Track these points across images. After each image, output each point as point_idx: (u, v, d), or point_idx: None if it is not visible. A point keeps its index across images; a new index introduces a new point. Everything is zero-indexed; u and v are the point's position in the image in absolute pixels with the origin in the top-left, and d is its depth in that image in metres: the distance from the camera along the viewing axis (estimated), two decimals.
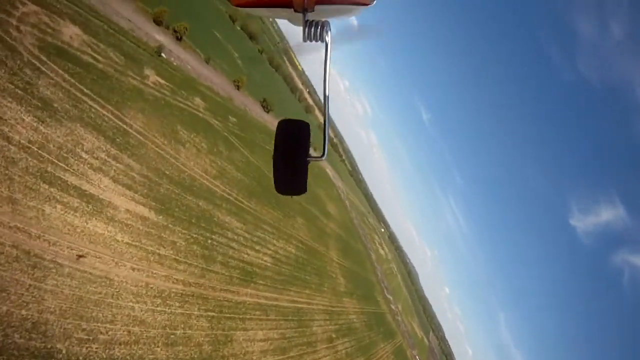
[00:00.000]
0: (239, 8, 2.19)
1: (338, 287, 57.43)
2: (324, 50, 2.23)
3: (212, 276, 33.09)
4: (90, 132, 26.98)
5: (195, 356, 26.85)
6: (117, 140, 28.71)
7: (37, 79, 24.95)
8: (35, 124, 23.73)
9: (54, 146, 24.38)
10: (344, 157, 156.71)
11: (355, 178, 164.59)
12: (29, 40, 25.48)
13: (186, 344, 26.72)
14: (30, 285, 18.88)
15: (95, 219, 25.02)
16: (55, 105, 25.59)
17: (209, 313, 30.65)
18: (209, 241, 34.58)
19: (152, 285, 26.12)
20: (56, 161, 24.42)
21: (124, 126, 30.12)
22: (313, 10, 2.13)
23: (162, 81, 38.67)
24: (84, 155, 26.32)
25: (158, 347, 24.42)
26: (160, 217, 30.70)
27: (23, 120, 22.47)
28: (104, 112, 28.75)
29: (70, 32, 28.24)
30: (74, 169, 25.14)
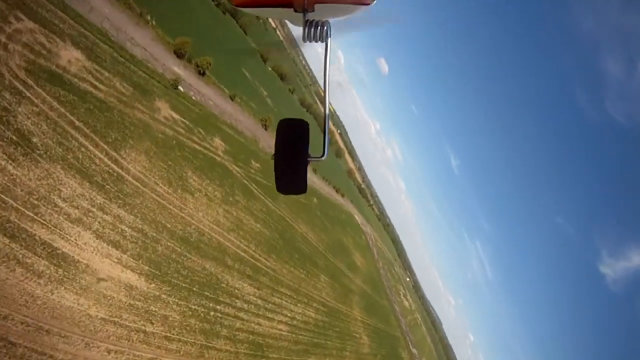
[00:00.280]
0: (240, 8, 2.29)
1: (361, 348, 55.27)
2: (324, 50, 2.35)
3: (213, 354, 27.29)
4: (73, 176, 22.93)
5: None
6: (107, 186, 24.55)
7: (17, 106, 21.42)
8: (1, 163, 19.63)
9: (22, 191, 20.14)
10: (371, 202, 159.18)
11: (383, 222, 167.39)
12: (16, 60, 22.41)
13: None
14: None
15: (65, 287, 20.16)
16: (35, 140, 21.79)
17: None
18: (212, 313, 29.12)
19: None
20: (23, 209, 20.08)
21: (119, 170, 26.09)
22: (313, 10, 2.24)
23: (177, 116, 35.36)
24: (60, 203, 22.03)
25: None
26: (152, 285, 25.52)
27: None
28: (96, 152, 24.87)
29: (70, 56, 25.28)
30: (45, 220, 20.73)
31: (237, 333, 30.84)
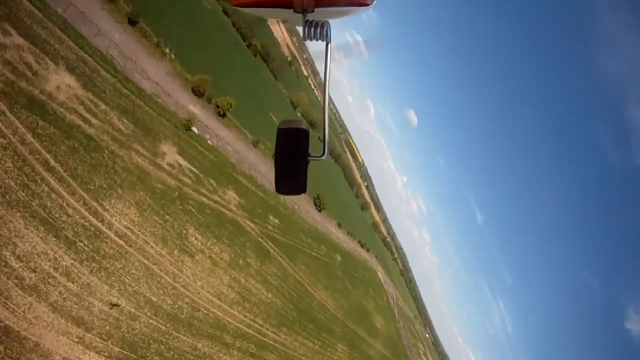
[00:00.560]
0: (239, 8, 2.44)
1: None
2: (324, 50, 2.48)
3: None
4: (36, 228, 18.92)
5: None
6: (79, 244, 20.32)
7: None
8: None
9: None
10: (396, 256, 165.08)
11: (406, 278, 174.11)
12: None
13: None
14: None
15: None
16: None
17: None
18: None
19: None
20: None
21: (99, 224, 21.93)
22: (313, 11, 2.35)
23: (185, 163, 31.67)
24: (13, 262, 18.20)
25: None
26: None
27: None
28: (71, 200, 20.93)
29: (60, 82, 22.25)
30: None
31: None
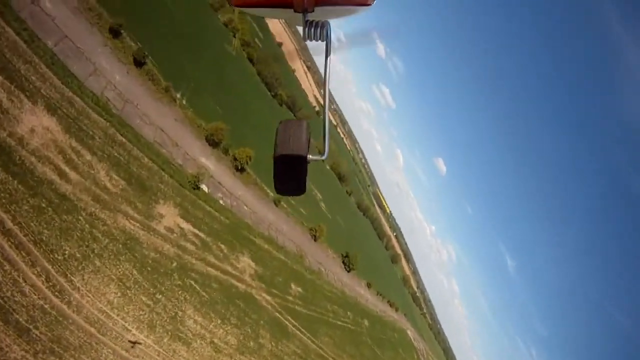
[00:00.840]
0: (239, 8, 2.44)
1: None
2: (324, 50, 2.63)
3: None
4: None
5: None
6: (35, 332, 15.94)
7: None
8: None
9: None
10: (424, 310, 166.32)
11: (435, 331, 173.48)
12: None
13: None
14: None
15: None
16: None
17: None
18: None
19: None
20: None
21: (64, 306, 17.65)
22: (313, 11, 2.39)
23: (188, 227, 27.61)
24: None
25: None
26: None
27: None
28: (30, 274, 17.00)
29: (36, 124, 18.82)
30: None
31: None
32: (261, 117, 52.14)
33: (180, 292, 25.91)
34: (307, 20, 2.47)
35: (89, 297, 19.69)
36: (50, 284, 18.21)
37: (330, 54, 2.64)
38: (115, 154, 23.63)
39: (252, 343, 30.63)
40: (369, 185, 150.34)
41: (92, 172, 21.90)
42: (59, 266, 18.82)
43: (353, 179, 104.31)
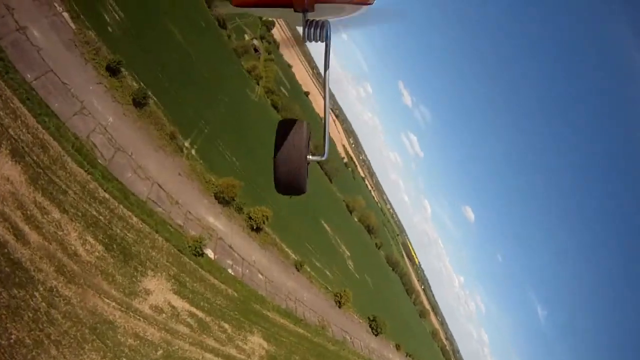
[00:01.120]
0: (239, 7, 2.45)
1: None
2: (323, 50, 2.62)
3: None
4: None
5: None
6: None
7: None
8: None
9: None
10: None
11: None
12: None
13: None
14: None
15: None
16: None
17: None
18: None
19: None
20: None
21: None
22: (313, 10, 2.42)
23: (182, 304, 23.32)
24: None
25: None
26: None
27: None
28: None
29: None
30: None
31: None
32: None
33: None
34: (307, 20, 2.48)
35: None
36: None
37: (330, 54, 2.62)
38: (93, 213, 19.72)
39: None
40: (397, 235, 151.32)
41: (60, 233, 17.97)
42: (1, 354, 14.47)
43: (382, 230, 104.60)
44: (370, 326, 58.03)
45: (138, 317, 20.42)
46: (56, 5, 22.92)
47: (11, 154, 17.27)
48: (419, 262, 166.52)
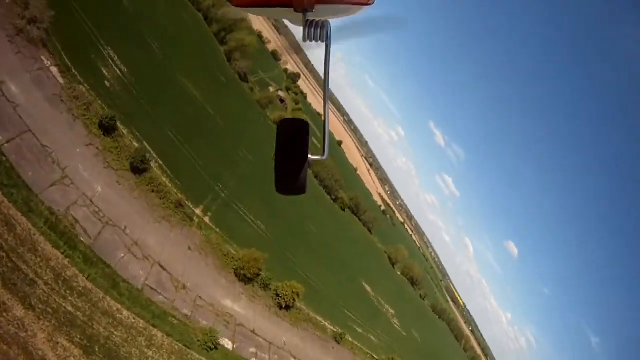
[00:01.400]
0: (240, 8, 2.51)
1: None
2: (324, 50, 2.61)
3: None
4: None
5: None
6: None
7: None
8: None
9: None
10: None
11: None
12: None
13: None
14: None
15: None
16: None
17: None
18: None
19: None
20: None
21: None
22: (313, 10, 2.46)
23: None
24: None
25: None
26: None
27: None
28: None
29: None
30: None
31: None
32: (320, 232, 46.32)
33: None
34: (307, 20, 2.49)
35: None
36: None
37: (330, 54, 2.60)
38: (69, 308, 15.98)
39: None
40: (441, 280, 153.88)
41: (23, 335, 14.24)
42: None
43: (426, 279, 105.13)
44: None
45: None
46: (44, 59, 20.78)
47: None
48: (464, 304, 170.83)
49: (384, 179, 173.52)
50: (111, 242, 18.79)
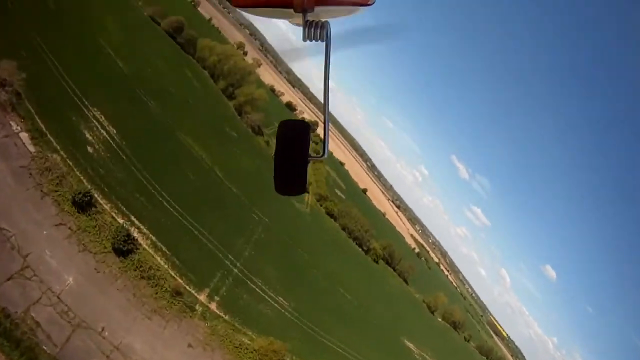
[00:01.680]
0: (240, 8, 2.65)
1: None
2: (324, 50, 2.70)
3: None
4: None
5: None
6: None
7: None
8: None
9: None
10: None
11: None
12: None
13: None
14: None
15: None
16: None
17: None
18: None
19: None
20: None
21: None
22: (313, 11, 2.57)
23: None
24: None
25: None
26: None
27: None
28: None
29: None
30: None
31: None
32: (353, 297, 42.56)
33: None
34: (307, 20, 2.58)
35: None
36: None
37: (330, 54, 2.71)
38: None
39: None
40: (481, 316, 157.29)
41: None
42: None
43: (468, 319, 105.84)
44: None
45: None
46: (12, 124, 18.27)
47: None
48: (508, 335, 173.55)
49: (413, 219, 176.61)
50: (83, 350, 15.09)
